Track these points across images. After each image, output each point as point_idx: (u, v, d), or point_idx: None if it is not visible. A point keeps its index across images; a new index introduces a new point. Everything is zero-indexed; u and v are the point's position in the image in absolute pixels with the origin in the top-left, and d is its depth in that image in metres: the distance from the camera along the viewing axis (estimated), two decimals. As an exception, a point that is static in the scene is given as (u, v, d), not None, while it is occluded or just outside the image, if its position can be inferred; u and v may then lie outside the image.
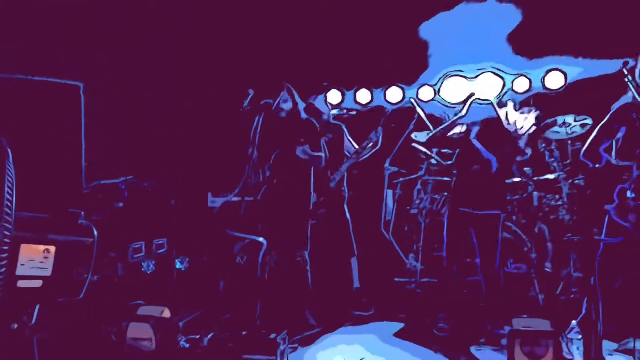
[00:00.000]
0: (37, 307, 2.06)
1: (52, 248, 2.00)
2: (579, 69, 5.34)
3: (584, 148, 3.86)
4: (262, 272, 4.42)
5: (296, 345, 4.15)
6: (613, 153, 3.79)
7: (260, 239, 4.15)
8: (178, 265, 5.51)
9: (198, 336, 4.07)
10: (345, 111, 5.93)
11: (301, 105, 4.83)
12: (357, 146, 5.30)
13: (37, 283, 1.96)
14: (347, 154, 5.30)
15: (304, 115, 4.79)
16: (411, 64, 5.72)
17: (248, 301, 4.21)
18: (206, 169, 5.95)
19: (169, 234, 5.43)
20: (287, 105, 4.79)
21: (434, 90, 5.85)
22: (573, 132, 5.30)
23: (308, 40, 5.91)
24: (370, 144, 5.18)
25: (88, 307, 3.89)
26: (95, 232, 2.12)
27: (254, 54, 5.97)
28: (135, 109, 5.89)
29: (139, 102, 5.94)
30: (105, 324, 3.86)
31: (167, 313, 3.96)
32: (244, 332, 3.78)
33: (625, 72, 3.50)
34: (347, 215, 5.26)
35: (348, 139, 5.37)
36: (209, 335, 4.07)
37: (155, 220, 5.29)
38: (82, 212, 2.06)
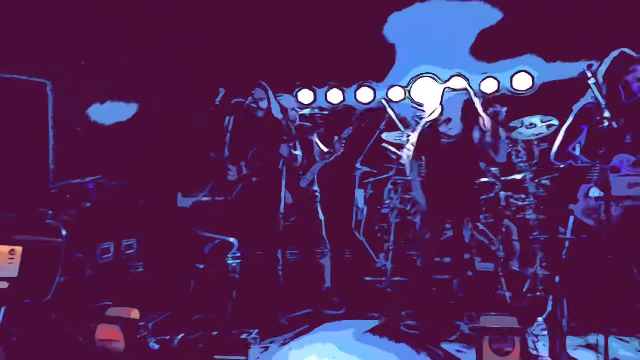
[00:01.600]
0: (3, 309, 2.02)
1: (19, 249, 1.97)
2: (545, 70, 5.47)
3: (553, 150, 3.95)
4: (233, 272, 4.40)
5: (267, 345, 4.14)
6: (577, 153, 3.89)
7: (231, 239, 4.13)
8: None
9: (168, 337, 4.03)
10: (317, 110, 5.95)
11: (275, 104, 4.82)
12: (325, 148, 5.32)
13: (3, 285, 1.92)
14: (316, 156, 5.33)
15: (278, 114, 4.78)
16: (381, 63, 5.78)
17: (219, 301, 4.18)
18: (176, 169, 5.89)
19: (138, 234, 5.37)
20: (263, 104, 4.77)
21: (405, 90, 5.91)
22: (539, 133, 5.42)
23: (280, 40, 5.91)
24: (339, 148, 5.20)
25: (56, 308, 3.82)
26: (64, 232, 2.09)
27: (224, 53, 5.94)
28: (104, 108, 5.80)
29: (108, 101, 5.84)
30: (72, 326, 3.79)
31: (136, 314, 3.91)
32: (214, 333, 3.76)
33: (589, 75, 3.60)
34: (321, 215, 5.28)
35: (315, 142, 5.39)
36: (179, 336, 4.04)
37: (124, 221, 5.22)
38: (50, 212, 2.03)
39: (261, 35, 5.88)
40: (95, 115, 5.69)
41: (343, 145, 5.18)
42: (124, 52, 5.60)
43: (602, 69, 3.82)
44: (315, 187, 5.30)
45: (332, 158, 5.24)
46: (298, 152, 4.89)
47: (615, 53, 3.81)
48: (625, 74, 3.74)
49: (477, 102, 4.43)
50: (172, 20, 5.80)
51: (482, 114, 4.43)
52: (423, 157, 4.63)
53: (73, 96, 4.85)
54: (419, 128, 4.67)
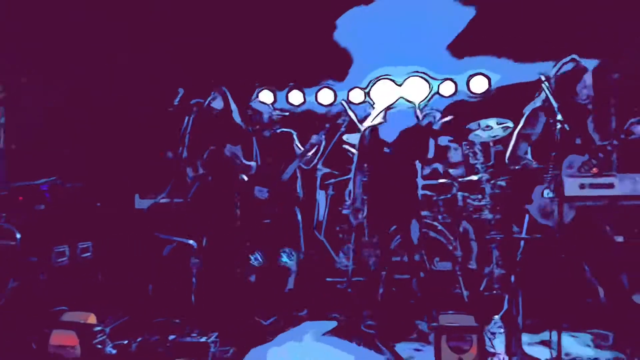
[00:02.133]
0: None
1: (-31, 253, 1.90)
2: (502, 73, 5.60)
3: (507, 154, 4.05)
4: (192, 274, 4.36)
5: (228, 347, 4.11)
6: (529, 155, 4.01)
7: (191, 242, 4.09)
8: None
9: (126, 342, 3.96)
10: (277, 112, 5.93)
11: (234, 107, 4.79)
12: (301, 147, 5.32)
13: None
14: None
15: (237, 118, 4.75)
16: (342, 65, 5.82)
17: (179, 304, 4.13)
18: (133, 170, 5.80)
19: (95, 237, 5.25)
20: (218, 105, 4.73)
21: (364, 93, 5.97)
22: (495, 135, 5.54)
23: (240, 41, 5.88)
24: (312, 147, 5.21)
25: (9, 313, 3.70)
26: (18, 235, 2.04)
27: (184, 53, 5.87)
28: (59, 108, 5.66)
29: (63, 101, 5.71)
30: (26, 332, 3.68)
31: (92, 319, 3.83)
32: (173, 336, 3.72)
33: (543, 78, 3.71)
34: (299, 217, 5.27)
35: (297, 145, 5.39)
36: (138, 341, 3.97)
37: (79, 223, 5.10)
38: (4, 215, 1.97)
39: (222, 37, 5.84)
40: (51, 116, 5.55)
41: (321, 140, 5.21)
42: (81, 51, 5.48)
43: (553, 73, 3.95)
44: (298, 189, 5.31)
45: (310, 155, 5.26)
46: (252, 164, 4.86)
47: (566, 59, 3.95)
48: (575, 81, 3.89)
49: (417, 111, 4.59)
50: (130, 20, 5.71)
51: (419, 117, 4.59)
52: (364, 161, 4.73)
53: (27, 97, 4.72)
54: (361, 132, 4.79)
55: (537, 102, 3.98)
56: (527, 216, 3.97)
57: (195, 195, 4.79)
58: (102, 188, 5.60)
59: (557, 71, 3.96)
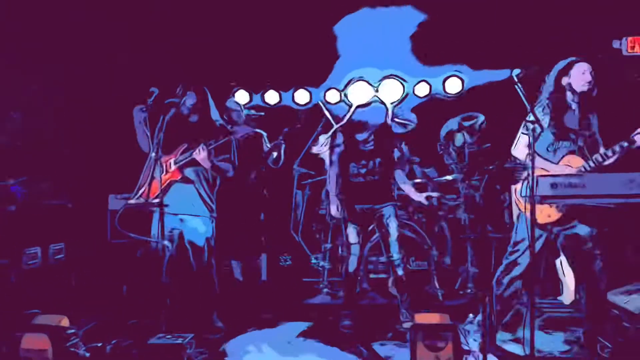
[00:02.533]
0: None
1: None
2: (474, 76, 5.67)
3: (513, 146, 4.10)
4: (167, 276, 4.32)
5: (202, 349, 4.08)
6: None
7: (165, 243, 4.05)
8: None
9: (100, 344, 3.91)
10: (253, 112, 5.92)
11: (214, 108, 4.75)
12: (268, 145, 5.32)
13: None
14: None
15: (216, 119, 4.73)
16: (319, 66, 5.83)
17: (153, 306, 4.09)
18: (107, 170, 5.71)
19: (67, 238, 5.17)
20: (189, 102, 4.67)
21: (341, 93, 5.98)
22: (470, 136, 5.63)
23: (216, 40, 5.84)
24: (272, 151, 5.22)
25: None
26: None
27: (159, 52, 5.81)
28: (30, 106, 5.55)
29: (34, 100, 5.60)
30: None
31: (65, 322, 3.77)
32: (148, 338, 3.67)
33: (516, 80, 3.77)
34: (262, 215, 5.27)
35: (266, 145, 5.39)
36: (112, 343, 3.92)
37: (51, 224, 5.02)
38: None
39: (199, 37, 5.80)
40: (23, 114, 5.45)
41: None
42: (53, 47, 5.39)
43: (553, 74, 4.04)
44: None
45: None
46: (230, 169, 4.81)
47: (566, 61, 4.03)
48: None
49: (389, 113, 4.66)
50: (104, 17, 5.63)
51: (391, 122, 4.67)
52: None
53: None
54: (329, 135, 4.85)
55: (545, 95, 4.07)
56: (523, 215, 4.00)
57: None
58: (75, 188, 5.51)
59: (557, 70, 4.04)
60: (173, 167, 4.41)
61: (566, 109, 4.00)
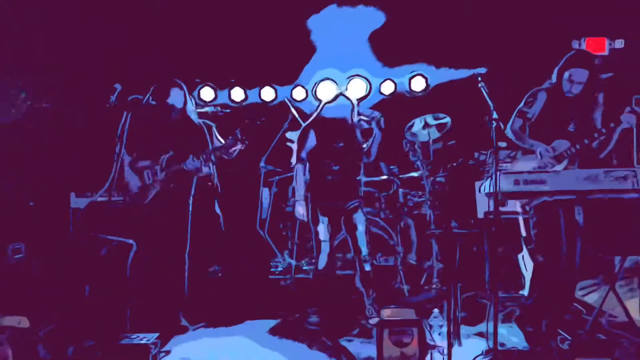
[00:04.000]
0: None
1: None
2: (438, 75, 5.76)
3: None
4: (132, 274, 4.26)
5: (169, 349, 4.04)
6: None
7: (130, 241, 3.99)
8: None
9: (62, 345, 3.83)
10: (219, 108, 5.87)
11: (191, 104, 4.71)
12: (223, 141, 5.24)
13: None
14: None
15: (192, 114, 4.69)
16: (287, 64, 5.82)
17: (117, 306, 4.03)
18: (68, 168, 5.60)
19: (27, 237, 5.04)
20: (177, 102, 4.62)
21: (307, 90, 5.97)
22: (435, 132, 5.71)
23: (181, 35, 5.77)
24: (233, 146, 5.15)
25: None
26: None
27: (123, 48, 5.71)
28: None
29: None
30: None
31: (25, 323, 3.67)
32: (112, 339, 3.61)
33: (479, 79, 3.84)
34: (218, 211, 5.18)
35: (217, 137, 5.31)
36: (74, 345, 3.85)
37: (11, 223, 4.89)
38: None
39: (163, 30, 5.71)
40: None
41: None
42: (16, 43, 5.25)
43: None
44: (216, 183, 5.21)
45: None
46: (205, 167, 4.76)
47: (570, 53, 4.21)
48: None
49: (354, 110, 4.69)
50: (66, 13, 5.50)
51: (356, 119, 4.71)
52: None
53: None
54: (300, 130, 4.85)
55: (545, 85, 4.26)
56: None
57: (153, 199, 4.66)
58: (36, 186, 5.38)
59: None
60: None
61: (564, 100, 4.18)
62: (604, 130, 4.02)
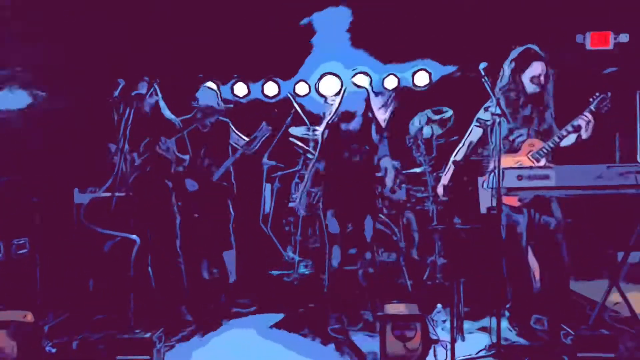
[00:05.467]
0: None
1: None
2: (441, 70, 5.75)
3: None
4: (135, 270, 4.27)
5: (173, 343, 4.05)
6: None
7: (133, 237, 4.00)
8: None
9: (66, 339, 3.85)
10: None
11: (162, 103, 4.72)
12: (245, 138, 5.26)
13: None
14: (236, 145, 5.26)
15: (167, 113, 4.70)
16: (289, 60, 5.81)
17: (121, 300, 4.04)
18: (72, 163, 5.60)
19: (31, 232, 5.06)
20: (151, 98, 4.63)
21: (309, 85, 5.96)
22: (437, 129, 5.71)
23: (183, 31, 5.76)
24: (262, 136, 5.18)
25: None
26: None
27: (125, 44, 5.71)
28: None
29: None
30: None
31: (30, 317, 3.69)
32: (116, 333, 3.63)
33: (483, 74, 3.83)
34: (231, 209, 5.23)
35: (235, 132, 5.33)
36: (79, 338, 3.86)
37: (15, 219, 4.91)
38: None
39: (165, 26, 5.71)
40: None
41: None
42: (18, 39, 5.25)
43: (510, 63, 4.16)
44: (232, 181, 5.26)
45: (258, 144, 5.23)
46: (186, 157, 4.77)
47: (520, 49, 4.14)
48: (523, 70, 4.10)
49: (375, 100, 4.66)
50: (66, 9, 5.50)
51: (378, 111, 4.66)
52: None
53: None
54: (322, 126, 4.80)
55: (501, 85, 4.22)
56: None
57: (133, 186, 4.67)
58: (39, 182, 5.39)
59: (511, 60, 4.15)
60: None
61: (521, 100, 4.15)
62: (571, 128, 3.99)
